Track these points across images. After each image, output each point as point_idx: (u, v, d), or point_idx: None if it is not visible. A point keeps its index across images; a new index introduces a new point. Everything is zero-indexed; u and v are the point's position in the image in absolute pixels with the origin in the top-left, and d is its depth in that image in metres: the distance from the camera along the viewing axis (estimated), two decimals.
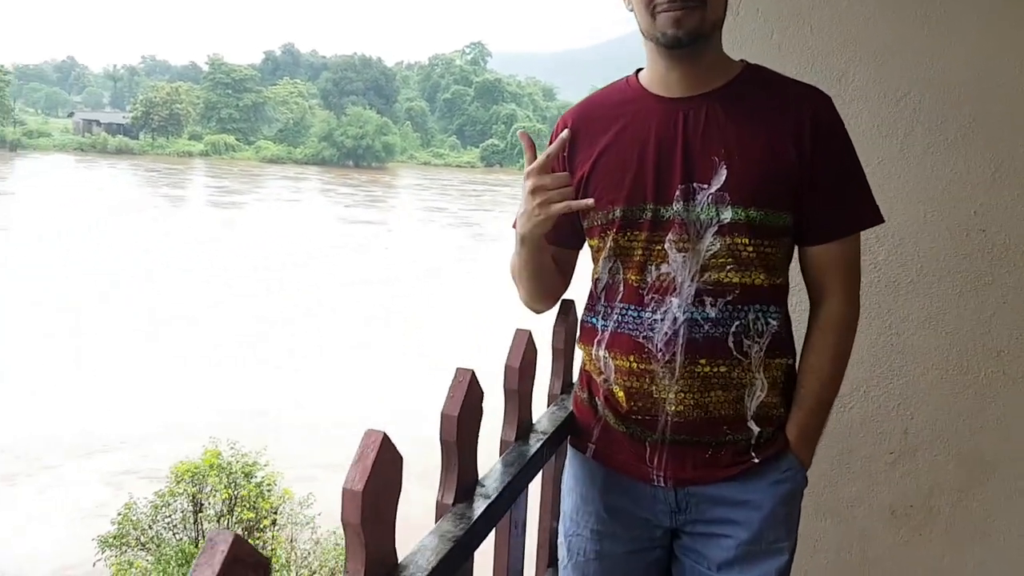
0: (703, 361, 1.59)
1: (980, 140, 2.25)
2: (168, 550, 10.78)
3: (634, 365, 1.63)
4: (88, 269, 29.15)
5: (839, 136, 1.63)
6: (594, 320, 1.72)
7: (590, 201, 1.57)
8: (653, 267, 1.61)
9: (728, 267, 1.58)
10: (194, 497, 11.16)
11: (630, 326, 1.63)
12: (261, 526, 11.44)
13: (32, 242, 33.12)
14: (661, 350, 1.60)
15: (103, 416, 17.07)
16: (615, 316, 1.66)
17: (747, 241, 1.57)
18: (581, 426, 1.79)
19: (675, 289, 1.59)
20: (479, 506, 1.34)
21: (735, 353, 1.59)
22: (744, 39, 2.28)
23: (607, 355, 1.67)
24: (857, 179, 1.65)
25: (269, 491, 11.60)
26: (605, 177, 1.65)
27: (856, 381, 2.40)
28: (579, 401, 1.80)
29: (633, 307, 1.63)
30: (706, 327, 1.58)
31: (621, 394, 1.66)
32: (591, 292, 1.74)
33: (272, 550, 10.81)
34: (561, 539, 1.83)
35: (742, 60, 1.69)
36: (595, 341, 1.70)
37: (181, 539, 11.05)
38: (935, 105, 2.26)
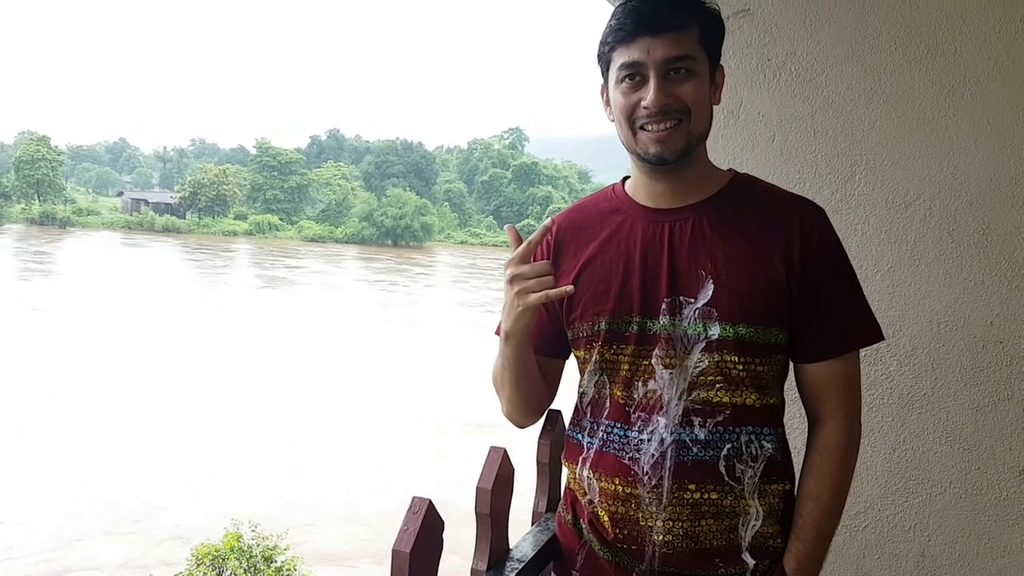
0: (692, 487, 1.50)
1: (995, 247, 2.15)
2: None
3: (619, 488, 1.54)
4: (116, 351, 29.47)
5: (832, 249, 1.56)
6: (579, 436, 1.64)
7: (570, 288, 1.52)
8: (640, 383, 1.54)
9: (717, 386, 1.50)
10: None
11: (616, 445, 1.55)
12: None
13: (67, 322, 33.64)
14: (648, 473, 1.51)
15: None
16: (600, 434, 1.58)
17: (736, 359, 1.50)
18: (564, 550, 1.69)
19: (662, 408, 1.51)
20: None
21: (727, 479, 1.50)
22: (745, 143, 2.23)
23: (591, 475, 1.58)
24: (853, 294, 1.57)
25: (290, 575, 11.43)
26: (591, 287, 1.60)
27: (870, 499, 2.27)
28: (563, 522, 1.71)
29: (619, 425, 1.55)
30: (695, 449, 1.49)
31: (606, 519, 1.57)
32: (577, 406, 1.66)
33: None
34: None
35: (731, 170, 1.63)
36: (580, 459, 1.62)
37: None
38: (946, 210, 2.18)
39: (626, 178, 1.67)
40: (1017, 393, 2.16)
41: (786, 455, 1.59)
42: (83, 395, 23.53)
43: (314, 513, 16.32)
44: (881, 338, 1.58)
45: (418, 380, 27.23)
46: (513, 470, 1.56)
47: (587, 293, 1.60)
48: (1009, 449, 2.17)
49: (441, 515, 1.31)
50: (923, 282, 2.19)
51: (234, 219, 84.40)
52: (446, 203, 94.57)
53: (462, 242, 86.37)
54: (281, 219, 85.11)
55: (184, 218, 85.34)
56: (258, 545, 11.38)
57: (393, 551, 1.21)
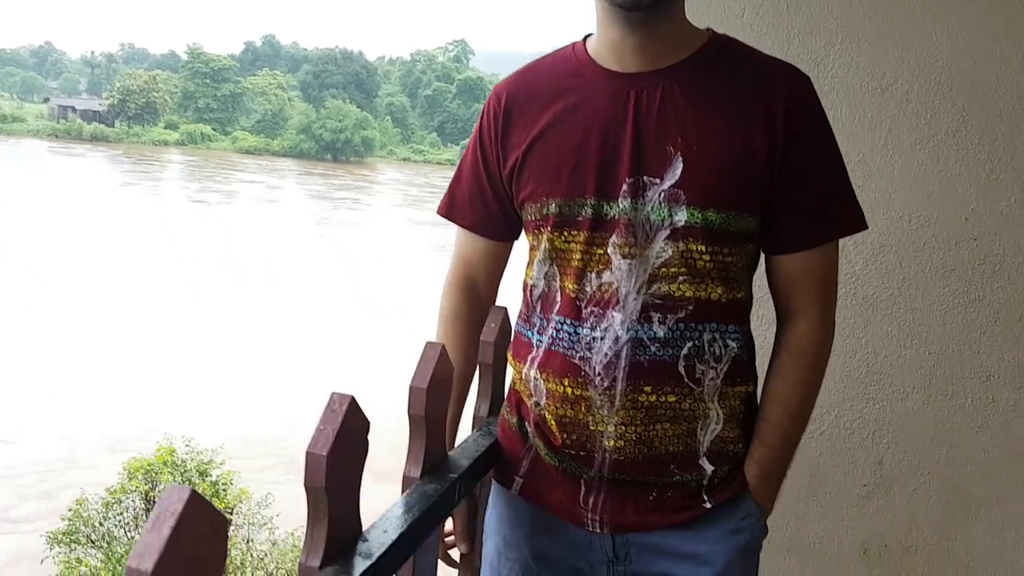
0: (648, 389, 1.33)
1: (974, 137, 2.00)
2: (119, 548, 10.45)
3: (568, 390, 1.37)
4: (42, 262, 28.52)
5: (819, 124, 1.37)
6: (529, 333, 1.46)
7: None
8: (593, 275, 1.35)
9: (680, 278, 1.32)
10: (147, 495, 10.82)
11: (565, 344, 1.37)
12: None
13: None
14: (600, 374, 1.34)
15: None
16: (550, 331, 1.40)
17: (704, 248, 1.32)
18: (507, 456, 1.52)
19: (618, 302, 1.33)
20: (358, 567, 1.07)
21: (686, 380, 1.34)
22: (712, 17, 2.02)
23: (539, 376, 1.41)
24: (837, 177, 1.40)
25: (225, 490, 11.28)
26: (541, 164, 1.39)
27: (826, 404, 2.15)
28: (506, 426, 1.54)
29: (570, 322, 1.37)
30: (653, 348, 1.33)
31: (553, 423, 1.40)
32: (525, 300, 1.48)
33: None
34: None
35: (708, 29, 1.43)
36: (528, 358, 1.44)
37: (133, 537, 10.71)
38: (924, 96, 2.01)
39: (587, 36, 1.45)
40: (989, 294, 2.03)
41: (751, 355, 1.43)
42: (11, 307, 22.82)
43: (250, 430, 16.16)
44: (865, 226, 1.42)
45: (363, 293, 26.95)
46: (452, 369, 1.38)
47: (538, 171, 1.40)
48: (977, 353, 2.06)
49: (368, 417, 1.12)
50: (896, 174, 2.03)
51: (165, 128, 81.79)
52: (388, 117, 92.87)
53: (405, 159, 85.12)
54: (214, 129, 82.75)
55: (113, 126, 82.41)
56: (192, 460, 11.20)
57: (307, 453, 1.02)
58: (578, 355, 1.36)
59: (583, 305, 1.36)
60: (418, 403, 1.31)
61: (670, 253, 1.32)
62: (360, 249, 35.54)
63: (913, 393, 2.11)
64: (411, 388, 1.30)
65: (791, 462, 1.44)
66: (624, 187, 1.33)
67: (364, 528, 1.15)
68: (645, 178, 1.32)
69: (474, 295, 1.60)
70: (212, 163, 67.46)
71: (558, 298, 1.40)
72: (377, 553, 1.10)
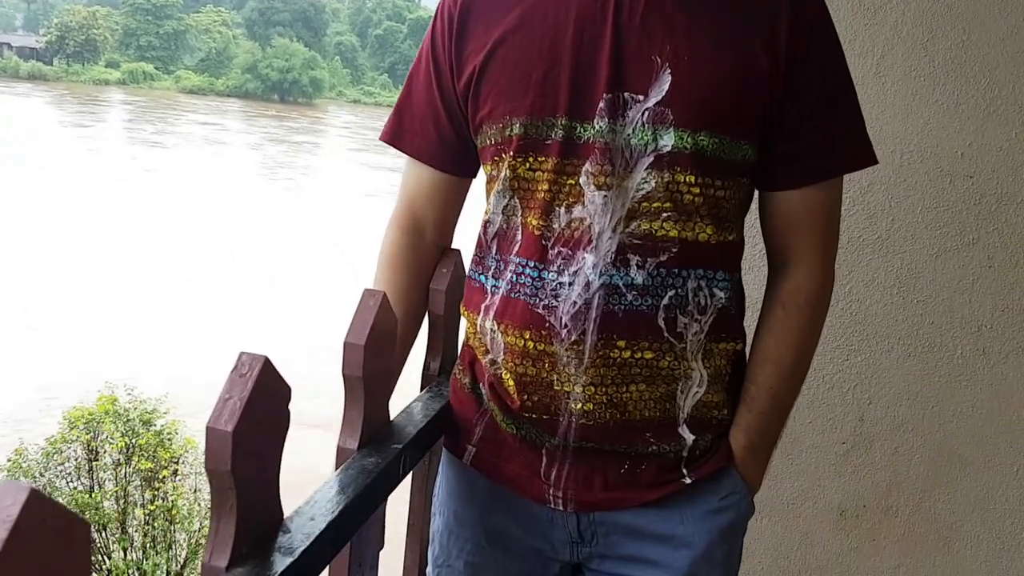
0: (622, 344, 1.14)
1: (974, 64, 1.82)
2: (61, 498, 10.15)
3: (529, 345, 1.17)
4: None
5: (829, 40, 1.19)
6: (482, 278, 1.26)
7: None
8: (562, 209, 1.15)
9: (664, 215, 1.13)
10: (88, 445, 10.50)
11: (527, 290, 1.17)
12: (161, 476, 10.85)
13: None
14: (567, 326, 1.15)
15: None
16: (509, 275, 1.20)
17: (693, 179, 1.12)
18: (459, 421, 1.33)
19: (591, 242, 1.13)
20: (277, 565, 0.87)
21: (666, 334, 1.15)
22: None
23: (495, 328, 1.21)
24: (847, 103, 1.22)
25: (170, 440, 10.98)
26: (503, 77, 1.18)
27: None
28: (458, 387, 1.34)
29: (533, 264, 1.17)
30: (629, 297, 1.13)
31: (511, 383, 1.21)
32: (480, 239, 1.28)
33: (173, 501, 10.29)
34: (429, 571, 1.38)
35: None
36: (482, 307, 1.24)
37: (75, 488, 10.42)
38: (921, 17, 1.82)
39: None
40: (984, 237, 1.87)
41: (740, 308, 1.25)
42: None
43: (194, 375, 15.81)
44: (875, 161, 1.24)
45: (311, 246, 26.50)
46: (395, 321, 1.17)
47: (499, 83, 1.19)
48: (969, 301, 1.91)
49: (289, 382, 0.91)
50: (889, 104, 1.85)
51: (105, 67, 79.13)
52: (337, 57, 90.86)
53: (355, 100, 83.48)
54: (157, 68, 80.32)
55: (51, 64, 79.45)
56: (135, 409, 10.87)
57: (208, 429, 0.84)
58: (542, 303, 1.16)
59: (549, 245, 1.16)
60: (354, 362, 1.10)
61: (653, 184, 1.12)
62: (325, 197, 34.82)
63: (898, 344, 1.95)
64: (346, 345, 1.10)
65: (782, 431, 1.27)
66: (601, 104, 1.12)
67: (287, 515, 0.96)
68: (626, 94, 1.12)
69: (420, 237, 1.38)
70: (162, 104, 65.39)
71: (519, 236, 1.20)
72: (301, 547, 0.90)
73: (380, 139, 1.36)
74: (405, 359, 1.39)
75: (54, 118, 52.26)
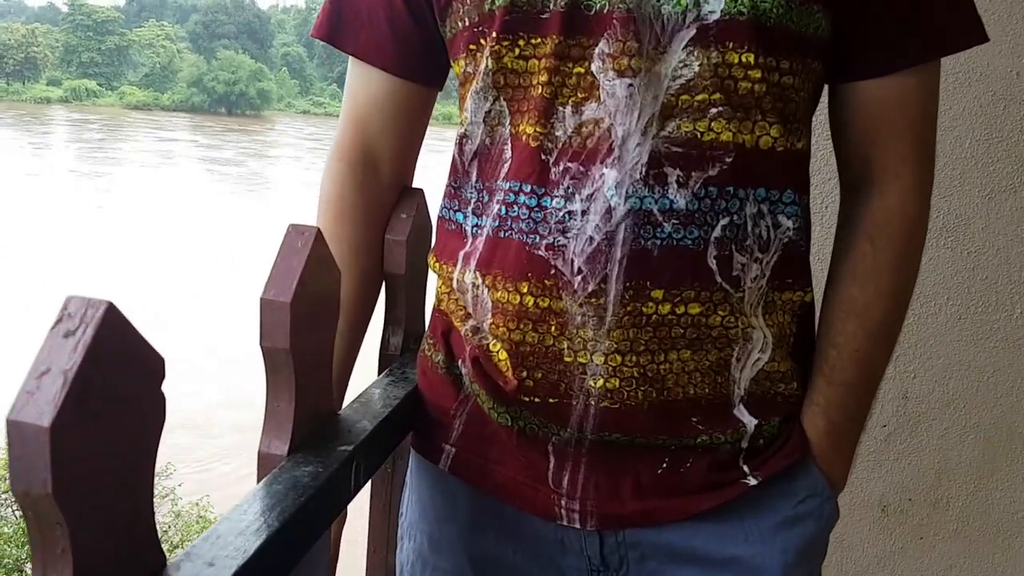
0: (658, 294, 0.82)
1: None
2: (8, 528, 9.64)
3: (528, 301, 0.84)
4: None
5: None
6: (459, 216, 0.93)
7: None
8: (567, 109, 0.83)
9: (713, 111, 0.81)
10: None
11: (523, 225, 0.84)
12: None
13: None
14: (581, 271, 0.82)
15: None
16: (496, 207, 0.87)
17: (751, 59, 0.81)
18: (432, 413, 0.99)
19: (611, 151, 0.81)
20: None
21: (719, 279, 0.83)
22: None
23: (479, 281, 0.88)
24: None
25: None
26: None
27: None
28: (429, 368, 1.00)
29: (529, 188, 0.85)
30: (668, 228, 0.81)
31: (503, 355, 0.88)
32: (454, 162, 0.95)
33: None
34: None
35: None
36: (460, 256, 0.91)
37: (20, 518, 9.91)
38: None
39: None
40: None
41: (808, 243, 0.93)
42: None
43: None
44: (985, 37, 0.92)
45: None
46: (338, 273, 0.83)
47: None
48: None
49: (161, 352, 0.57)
50: None
51: (47, 85, 77.78)
52: (284, 68, 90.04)
53: (304, 111, 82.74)
54: (100, 84, 79.44)
55: None
56: None
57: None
58: (544, 242, 0.83)
59: (551, 160, 0.84)
60: (277, 328, 0.75)
61: (697, 68, 0.80)
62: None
63: (947, 305, 1.65)
64: (263, 303, 0.75)
65: (871, 409, 0.95)
66: None
67: (186, 550, 0.61)
68: None
69: (372, 172, 1.04)
70: (120, 121, 63.99)
71: (507, 152, 0.87)
72: None
73: (312, 35, 1.02)
74: (361, 337, 1.05)
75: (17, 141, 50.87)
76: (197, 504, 10.51)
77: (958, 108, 1.57)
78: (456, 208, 0.93)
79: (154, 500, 0.58)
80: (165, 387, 0.57)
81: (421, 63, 0.98)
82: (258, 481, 0.75)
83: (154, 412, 0.57)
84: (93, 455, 0.51)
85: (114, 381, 0.52)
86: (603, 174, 0.81)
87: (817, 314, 0.96)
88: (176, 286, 22.64)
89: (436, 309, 1.00)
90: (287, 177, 43.66)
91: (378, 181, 1.04)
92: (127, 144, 52.19)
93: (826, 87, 0.94)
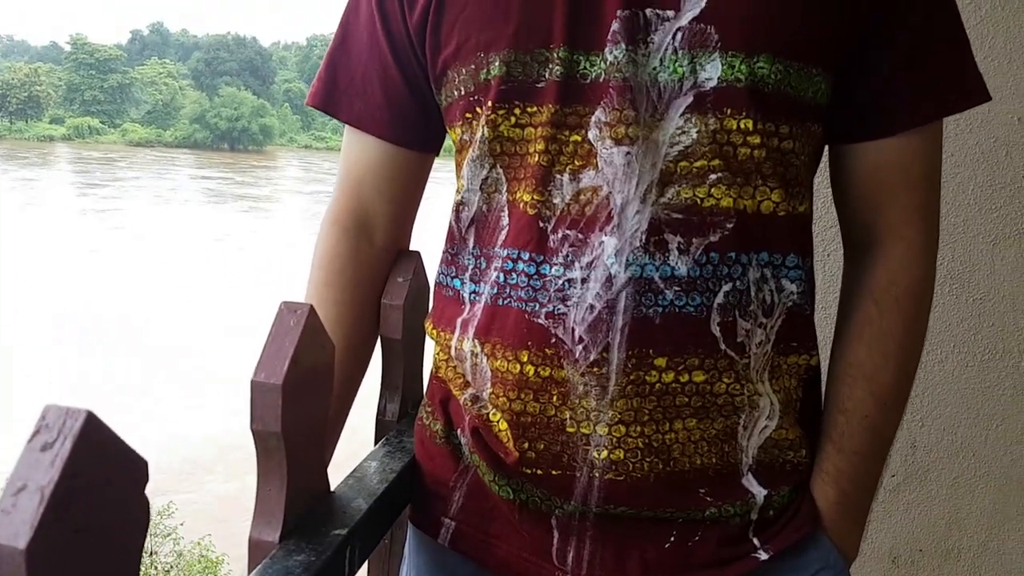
0: (661, 362, 0.80)
1: None
2: None
3: (529, 370, 0.83)
4: None
5: None
6: (456, 282, 0.92)
7: None
8: (566, 176, 0.82)
9: (713, 177, 0.80)
10: None
11: (521, 293, 0.83)
12: None
13: None
14: (582, 340, 0.81)
15: None
16: (494, 274, 0.85)
17: (750, 124, 0.80)
18: (430, 485, 0.97)
19: (610, 219, 0.80)
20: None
21: (723, 346, 0.81)
22: None
23: (479, 350, 0.86)
24: (950, 21, 0.89)
25: None
26: (469, 4, 0.86)
27: None
28: (427, 437, 0.98)
29: (529, 256, 0.83)
30: (670, 295, 0.80)
31: (504, 425, 0.86)
32: (451, 229, 0.93)
33: None
34: None
35: None
36: (458, 323, 0.89)
37: None
38: None
39: None
40: None
41: (813, 305, 0.91)
42: None
43: (139, 432, 15.18)
44: (988, 97, 0.90)
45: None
46: (332, 349, 0.81)
47: (467, 9, 0.86)
48: None
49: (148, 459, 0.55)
50: None
51: (50, 123, 78.32)
52: (286, 104, 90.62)
53: (306, 146, 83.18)
54: (102, 122, 79.93)
55: None
56: None
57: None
58: (544, 310, 0.82)
59: (549, 227, 0.82)
60: (268, 411, 0.73)
61: (695, 135, 0.79)
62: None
63: (953, 353, 1.63)
64: (254, 386, 0.73)
65: (881, 478, 0.92)
66: (614, 26, 0.79)
67: None
68: (649, 10, 0.79)
69: (367, 238, 1.03)
70: (134, 159, 64.38)
71: (504, 219, 0.86)
72: None
73: (308, 103, 1.01)
74: (349, 405, 1.03)
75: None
76: (199, 543, 10.43)
77: (960, 155, 1.56)
78: (453, 274, 0.92)
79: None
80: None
81: (416, 130, 0.97)
82: (249, 571, 0.72)
83: (137, 517, 0.55)
84: (73, 573, 0.49)
85: (95, 493, 0.50)
86: (602, 242, 0.80)
87: (824, 377, 0.94)
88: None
89: (434, 376, 0.98)
90: (290, 206, 43.91)
91: (372, 246, 1.02)
92: (128, 182, 52.45)
93: (826, 148, 0.92)
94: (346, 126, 1.00)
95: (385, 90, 0.95)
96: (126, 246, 31.78)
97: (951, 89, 0.88)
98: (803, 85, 0.82)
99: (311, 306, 0.76)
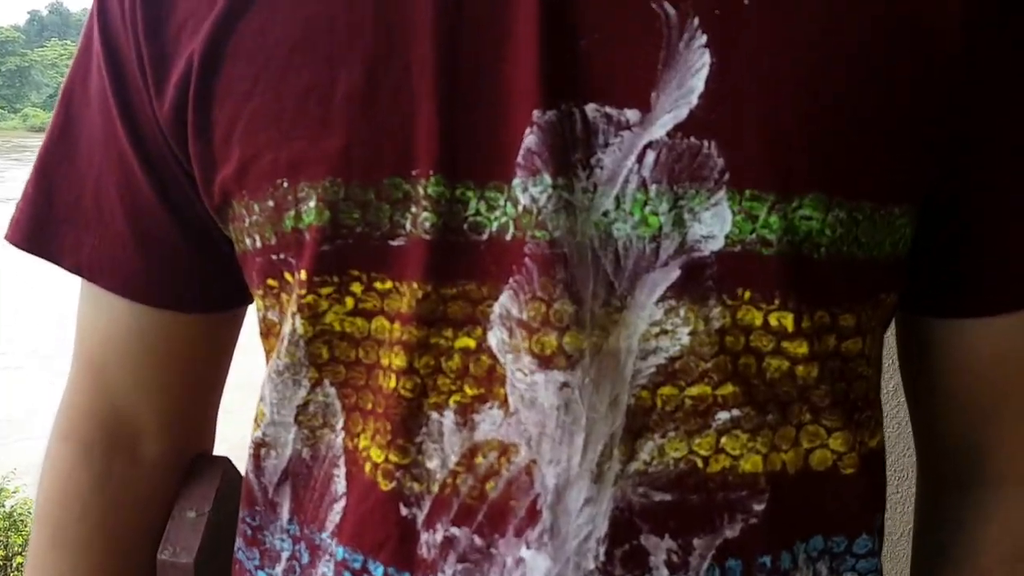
0: None
1: None
2: None
3: None
4: None
5: None
6: (261, 574, 0.49)
7: None
8: (448, 419, 0.44)
9: (724, 415, 0.44)
10: None
11: None
12: (15, 564, 9.60)
13: None
14: None
15: None
16: None
17: (790, 322, 0.43)
18: None
19: (534, 515, 0.43)
20: None
21: None
22: None
23: None
24: None
25: (23, 522, 9.73)
26: (264, 79, 0.45)
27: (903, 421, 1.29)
28: None
29: (381, 569, 0.44)
30: None
31: None
32: (248, 484, 0.48)
33: None
34: None
35: None
36: None
37: None
38: None
39: None
40: None
41: None
42: None
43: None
44: None
45: None
46: None
47: (255, 96, 0.45)
48: None
49: None
50: None
51: None
52: None
53: None
54: (2, 107, 77.27)
55: None
56: None
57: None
58: None
59: (420, 519, 0.43)
60: None
61: (687, 339, 0.43)
62: None
63: None
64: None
65: None
66: (529, 139, 0.40)
67: None
68: (591, 108, 0.40)
69: (123, 452, 0.57)
70: (38, 146, 61.91)
71: (339, 482, 0.45)
72: None
73: (7, 238, 0.57)
74: None
75: None
76: None
77: None
78: (258, 563, 0.51)
79: None
80: None
81: (193, 282, 0.55)
82: None
83: None
84: None
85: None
86: (521, 559, 0.40)
87: None
88: None
89: None
90: None
91: (136, 465, 0.59)
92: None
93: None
94: (86, 283, 0.57)
95: (131, 215, 0.53)
96: None
97: None
98: (879, 236, 0.45)
99: None
